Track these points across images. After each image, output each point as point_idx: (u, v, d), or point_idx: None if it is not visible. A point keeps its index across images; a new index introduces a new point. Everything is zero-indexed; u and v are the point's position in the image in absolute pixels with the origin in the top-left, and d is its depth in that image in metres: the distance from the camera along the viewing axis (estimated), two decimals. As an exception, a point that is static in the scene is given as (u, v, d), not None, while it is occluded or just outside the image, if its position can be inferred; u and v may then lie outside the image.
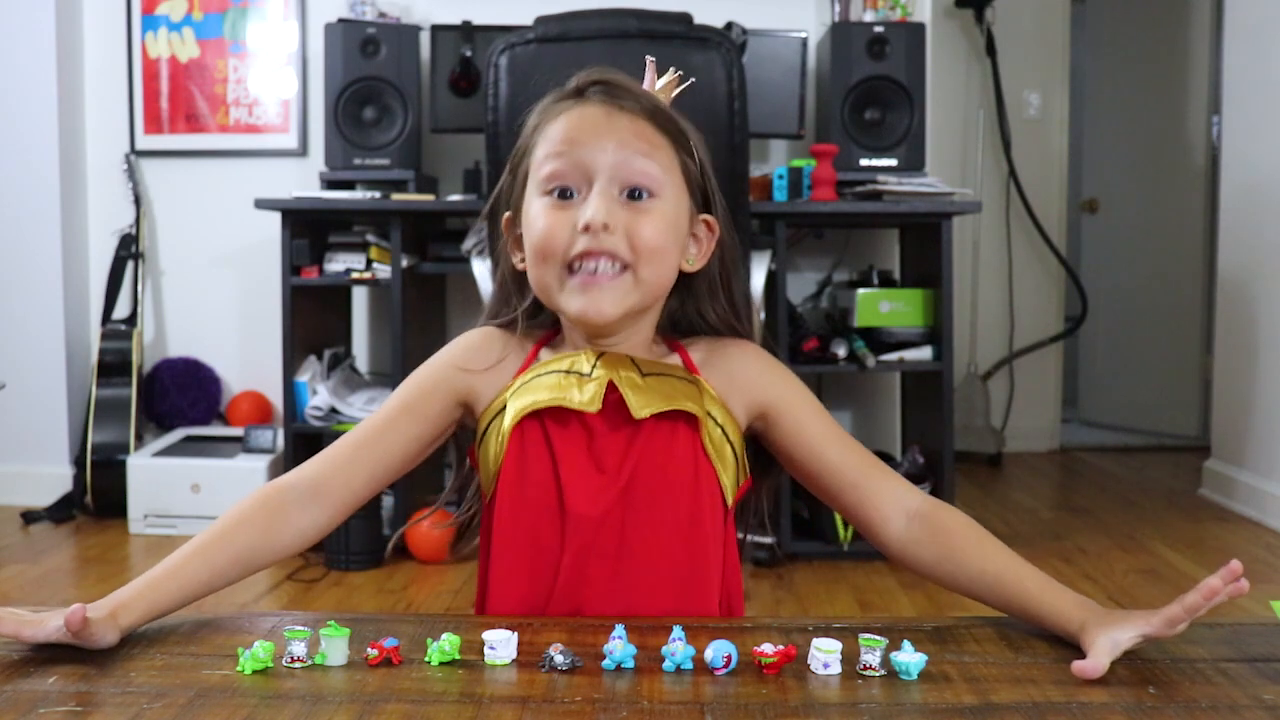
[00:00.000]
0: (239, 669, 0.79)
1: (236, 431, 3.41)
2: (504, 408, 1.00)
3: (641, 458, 0.98)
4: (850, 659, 0.80)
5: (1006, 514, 3.56)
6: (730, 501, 1.03)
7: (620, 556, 0.98)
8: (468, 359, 1.04)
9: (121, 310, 3.55)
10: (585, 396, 0.98)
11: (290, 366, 3.08)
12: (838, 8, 3.32)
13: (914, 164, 3.19)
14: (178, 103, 3.62)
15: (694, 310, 1.07)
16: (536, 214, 0.99)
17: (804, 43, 3.28)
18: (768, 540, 2.90)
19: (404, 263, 3.05)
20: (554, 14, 2.25)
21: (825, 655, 0.80)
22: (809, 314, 3.43)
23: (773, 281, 2.96)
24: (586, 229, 0.95)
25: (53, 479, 3.47)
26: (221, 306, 3.67)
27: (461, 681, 0.78)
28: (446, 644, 0.81)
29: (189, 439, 3.40)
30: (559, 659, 0.79)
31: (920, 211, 3.00)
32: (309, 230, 3.12)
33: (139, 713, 0.72)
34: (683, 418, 0.99)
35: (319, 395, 3.11)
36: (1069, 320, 4.74)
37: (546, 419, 0.99)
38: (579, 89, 1.01)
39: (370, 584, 2.82)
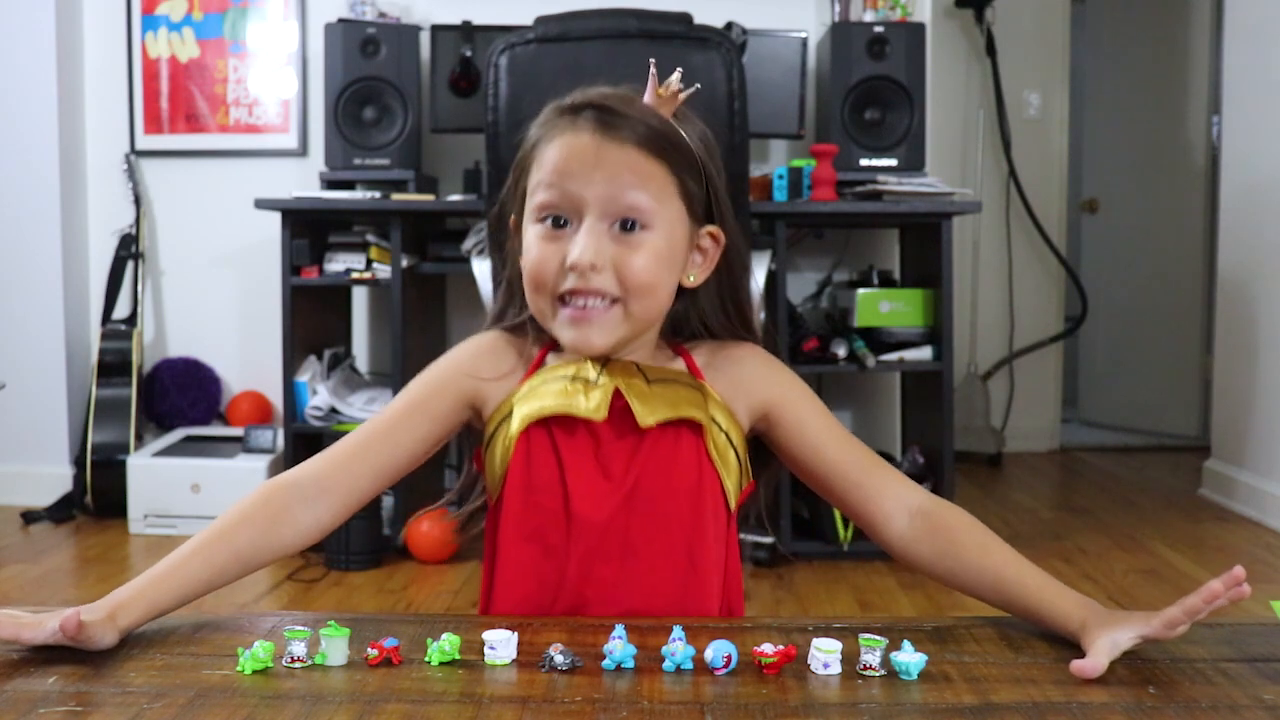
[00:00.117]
0: (239, 669, 0.79)
1: (236, 431, 3.41)
2: (511, 412, 1.01)
3: (646, 464, 0.99)
4: (850, 659, 0.80)
5: (1006, 514, 3.56)
6: (733, 506, 1.04)
7: (624, 559, 0.98)
8: (476, 363, 1.04)
9: (121, 310, 3.55)
10: (591, 404, 0.98)
11: (290, 366, 3.08)
12: (838, 8, 3.32)
13: (914, 164, 3.19)
14: (178, 103, 3.62)
15: (698, 317, 1.07)
16: (530, 242, 0.99)
17: (804, 43, 3.28)
18: (768, 540, 2.90)
19: (404, 263, 3.05)
20: (554, 14, 2.25)
21: (825, 655, 0.80)
22: (809, 314, 3.43)
23: (773, 281, 2.96)
24: (574, 268, 0.95)
25: (53, 479, 3.47)
26: (221, 306, 3.67)
27: (461, 681, 0.78)
28: (446, 644, 0.81)
29: (189, 439, 3.40)
30: (559, 659, 0.79)
31: (920, 211, 3.00)
32: (309, 230, 3.12)
33: (139, 713, 0.72)
34: (687, 425, 1.00)
35: (319, 395, 3.11)
36: (1069, 320, 4.74)
37: (553, 425, 0.99)
38: (575, 108, 0.98)
39: (370, 584, 2.82)
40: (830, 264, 3.57)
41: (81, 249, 3.63)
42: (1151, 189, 4.96)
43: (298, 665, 0.80)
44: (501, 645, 0.81)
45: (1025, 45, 4.57)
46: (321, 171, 3.24)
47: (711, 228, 1.03)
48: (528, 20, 2.25)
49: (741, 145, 2.31)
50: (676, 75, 0.99)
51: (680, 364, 1.04)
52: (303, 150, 3.62)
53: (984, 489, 3.95)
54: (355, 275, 3.11)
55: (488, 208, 2.39)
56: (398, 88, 3.19)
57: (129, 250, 3.56)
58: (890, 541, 1.00)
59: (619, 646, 0.80)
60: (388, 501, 3.08)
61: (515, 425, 0.99)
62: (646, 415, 0.98)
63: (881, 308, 3.10)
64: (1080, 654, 0.81)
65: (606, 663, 0.80)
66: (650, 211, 0.96)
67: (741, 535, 1.10)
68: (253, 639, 0.81)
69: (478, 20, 3.29)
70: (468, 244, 3.01)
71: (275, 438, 3.26)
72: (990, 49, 4.41)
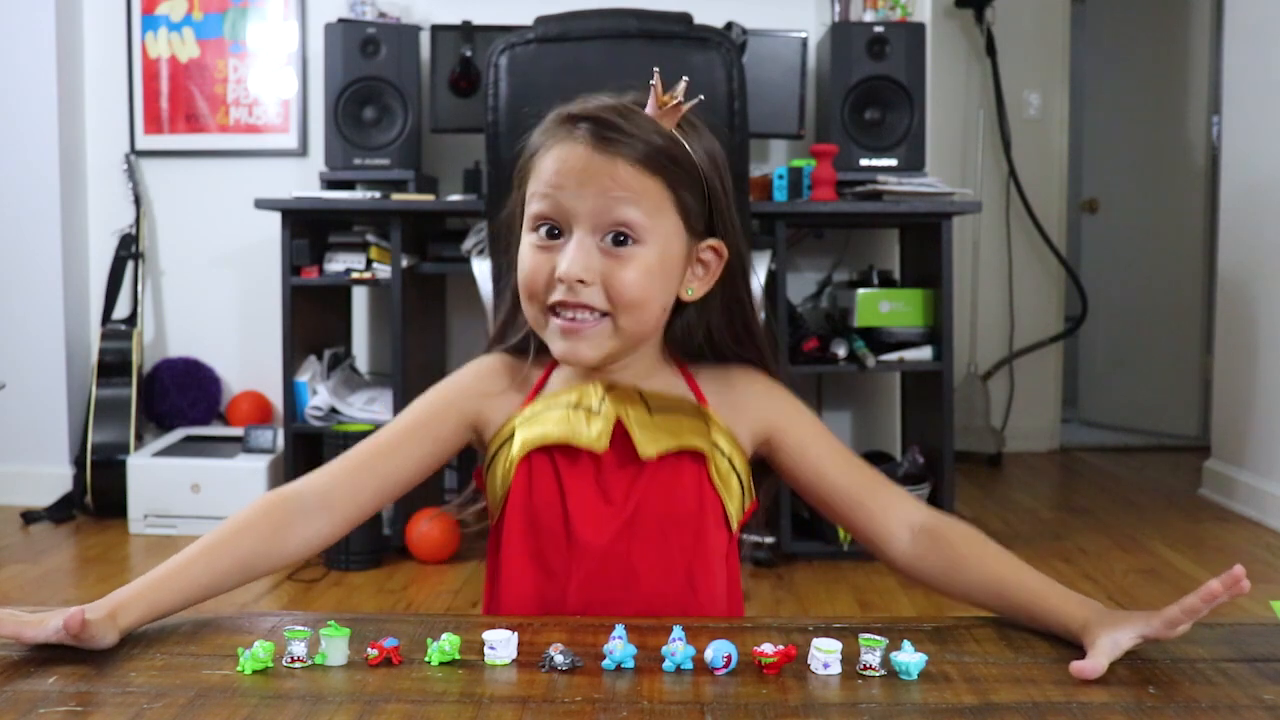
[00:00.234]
0: (239, 669, 0.79)
1: (236, 431, 3.41)
2: (512, 435, 1.01)
3: (648, 491, 1.00)
4: (850, 659, 0.80)
5: (1006, 514, 3.56)
6: (735, 528, 1.05)
7: (625, 583, 0.99)
8: (481, 386, 1.05)
9: (121, 310, 3.55)
10: (593, 434, 0.99)
11: (290, 366, 3.08)
12: (838, 8, 3.32)
13: (914, 164, 3.19)
14: (178, 103, 3.62)
15: (702, 332, 1.06)
16: (524, 251, 0.99)
17: (804, 43, 3.28)
18: (768, 540, 2.90)
19: (404, 263, 3.05)
20: (554, 14, 2.25)
21: (825, 655, 0.80)
22: (809, 314, 3.43)
23: (773, 281, 2.96)
24: (562, 281, 0.95)
25: (53, 479, 3.47)
26: (221, 306, 3.67)
27: (461, 681, 0.78)
28: (446, 644, 0.81)
29: (189, 439, 3.40)
30: (559, 659, 0.79)
31: (920, 211, 3.00)
32: (309, 230, 3.12)
33: (139, 713, 0.72)
34: (689, 453, 1.00)
35: (319, 395, 3.11)
36: (1069, 320, 4.74)
37: (555, 452, 1.00)
38: (574, 118, 0.97)
39: (370, 584, 2.82)
40: (830, 264, 3.57)
41: (81, 249, 3.63)
42: (1151, 189, 4.96)
43: (298, 665, 0.80)
44: (501, 645, 0.81)
45: (1025, 45, 4.57)
46: (321, 171, 3.24)
47: (713, 241, 1.01)
48: (528, 20, 2.25)
49: (741, 145, 2.31)
50: (681, 86, 0.97)
51: (682, 383, 1.05)
52: (303, 150, 3.62)
53: (984, 489, 3.95)
54: (355, 275, 3.11)
55: (488, 208, 2.39)
56: (398, 88, 3.19)
57: (129, 250, 3.56)
58: (894, 560, 1.01)
59: (619, 646, 0.80)
60: (388, 502, 3.08)
61: (516, 449, 1.00)
62: (648, 445, 0.99)
63: (881, 308, 3.10)
64: (1081, 654, 0.81)
65: (606, 663, 0.80)
66: (642, 226, 0.95)
67: (741, 535, 1.10)
68: (253, 639, 0.81)
69: (478, 20, 3.29)
70: (468, 244, 3.01)
71: (275, 438, 3.26)
72: (990, 49, 4.41)
